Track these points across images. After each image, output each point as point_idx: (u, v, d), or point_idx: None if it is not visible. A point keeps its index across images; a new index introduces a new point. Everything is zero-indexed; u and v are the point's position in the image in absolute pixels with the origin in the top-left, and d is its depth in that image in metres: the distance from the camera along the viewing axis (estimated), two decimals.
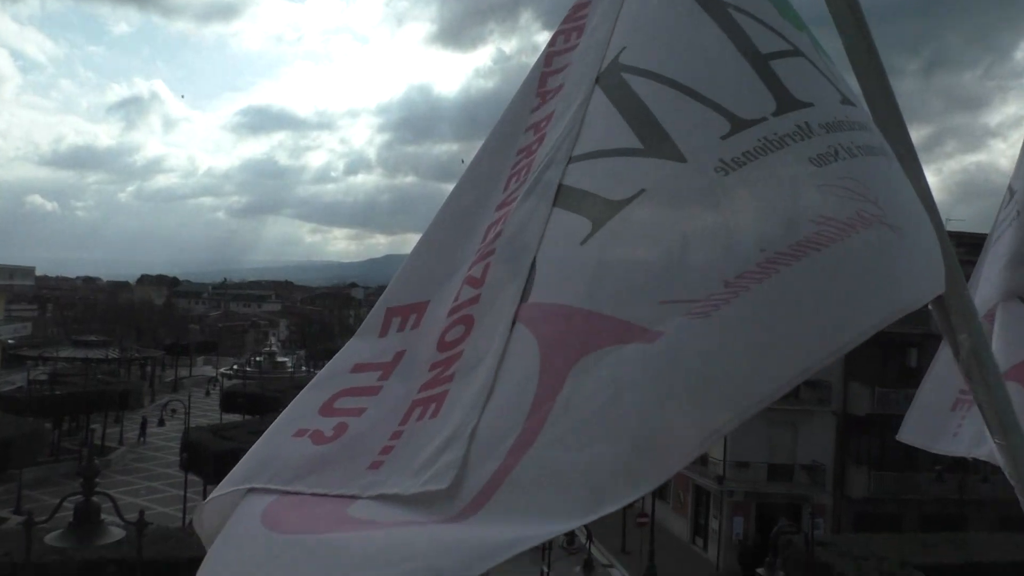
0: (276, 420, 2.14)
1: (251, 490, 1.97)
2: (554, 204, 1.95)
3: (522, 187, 2.09)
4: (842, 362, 33.52)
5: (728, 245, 1.72)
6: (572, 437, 1.60)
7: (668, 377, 1.60)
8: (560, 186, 1.97)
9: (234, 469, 2.06)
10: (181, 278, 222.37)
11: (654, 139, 1.88)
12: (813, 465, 32.77)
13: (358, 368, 2.16)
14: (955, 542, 20.14)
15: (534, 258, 1.90)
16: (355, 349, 2.24)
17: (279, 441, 2.07)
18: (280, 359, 79.38)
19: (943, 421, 3.33)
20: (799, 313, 1.62)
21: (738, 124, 1.83)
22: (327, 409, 2.08)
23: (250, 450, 2.09)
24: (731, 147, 1.80)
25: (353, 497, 1.82)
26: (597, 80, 2.10)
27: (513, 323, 1.84)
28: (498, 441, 1.68)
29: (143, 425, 48.82)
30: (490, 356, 1.83)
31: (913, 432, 3.52)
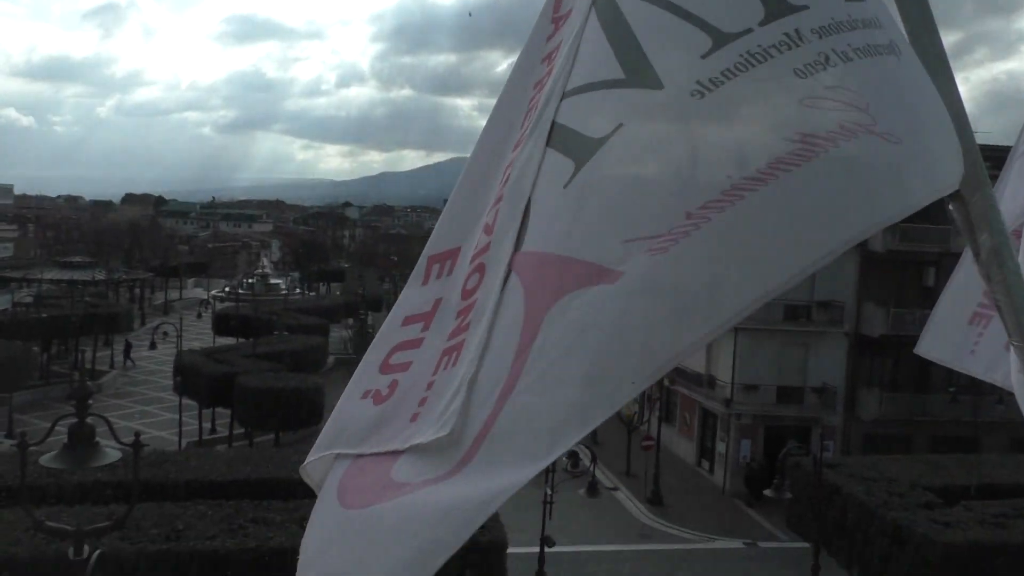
0: (350, 381, 2.32)
1: (337, 456, 2.19)
2: (547, 144, 1.98)
3: (535, 124, 2.09)
4: (856, 282, 33.61)
5: (693, 175, 1.75)
6: (539, 383, 1.72)
7: (622, 316, 1.68)
8: (553, 124, 1.99)
9: (321, 434, 2.28)
10: (167, 197, 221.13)
11: (635, 67, 1.89)
12: (824, 387, 33.23)
13: (407, 321, 2.30)
14: (966, 464, 20.60)
15: (528, 203, 1.95)
16: (405, 300, 2.37)
17: (350, 405, 2.26)
18: (273, 281, 79.57)
19: (960, 335, 3.37)
20: (754, 240, 1.66)
21: (720, 39, 1.82)
22: (385, 367, 2.25)
23: (332, 414, 2.29)
24: (710, 66, 1.80)
25: (396, 453, 1.99)
26: (594, 2, 2.07)
27: (508, 271, 1.92)
28: (490, 390, 1.81)
29: (127, 349, 49.31)
30: (490, 305, 1.94)
31: (930, 346, 3.54)
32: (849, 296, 33.56)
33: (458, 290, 2.18)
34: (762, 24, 1.81)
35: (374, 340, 2.36)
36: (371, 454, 2.08)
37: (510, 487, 1.71)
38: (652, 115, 1.86)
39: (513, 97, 2.34)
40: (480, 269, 2.09)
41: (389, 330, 2.34)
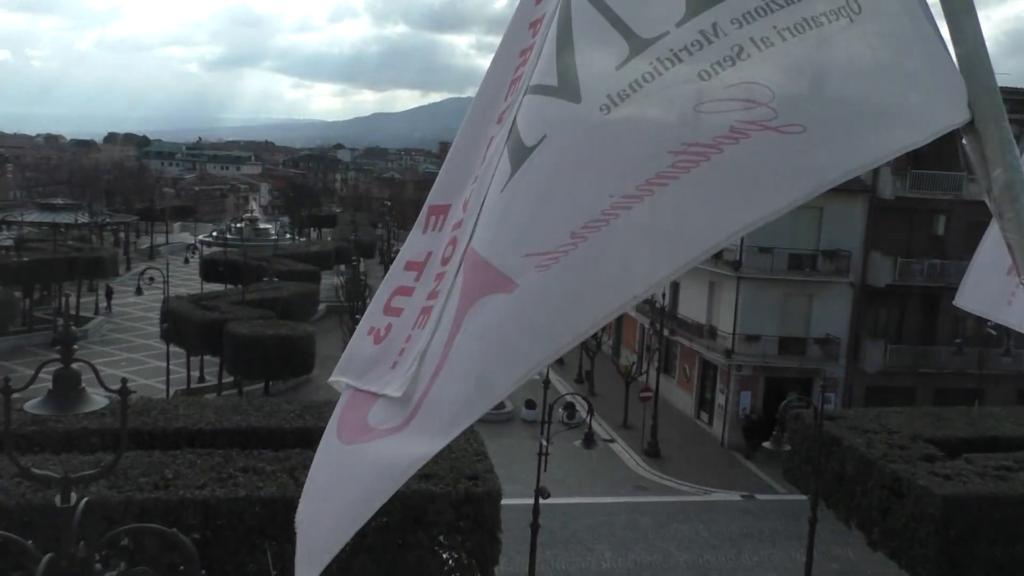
0: (366, 312, 2.62)
1: (345, 384, 2.50)
2: (506, 141, 2.13)
3: (512, 103, 2.22)
4: (863, 230, 33.58)
5: (583, 193, 1.92)
6: (451, 373, 2.04)
7: (508, 326, 1.95)
8: (514, 121, 2.13)
9: (341, 357, 2.59)
10: (151, 137, 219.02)
11: (566, 75, 2.03)
12: (827, 338, 33.44)
13: (407, 266, 2.52)
14: (969, 416, 20.86)
15: (484, 199, 2.15)
16: (409, 243, 2.57)
17: (359, 339, 2.54)
18: (263, 226, 79.40)
19: (998, 285, 3.32)
20: (617, 259, 1.86)
21: (636, 46, 1.94)
22: (387, 308, 2.49)
23: (350, 341, 2.60)
24: (622, 78, 1.93)
25: (375, 396, 2.29)
26: None
27: (460, 262, 2.17)
28: (430, 366, 2.12)
29: (109, 294, 49.32)
30: (447, 287, 2.20)
31: (969, 298, 3.50)
32: (855, 245, 33.56)
33: (440, 252, 2.35)
34: (680, 24, 1.91)
35: (385, 277, 2.57)
36: (364, 391, 2.35)
37: (423, 456, 2.08)
38: (567, 130, 1.99)
39: (504, 56, 2.40)
40: (454, 243, 2.28)
41: (395, 271, 2.56)
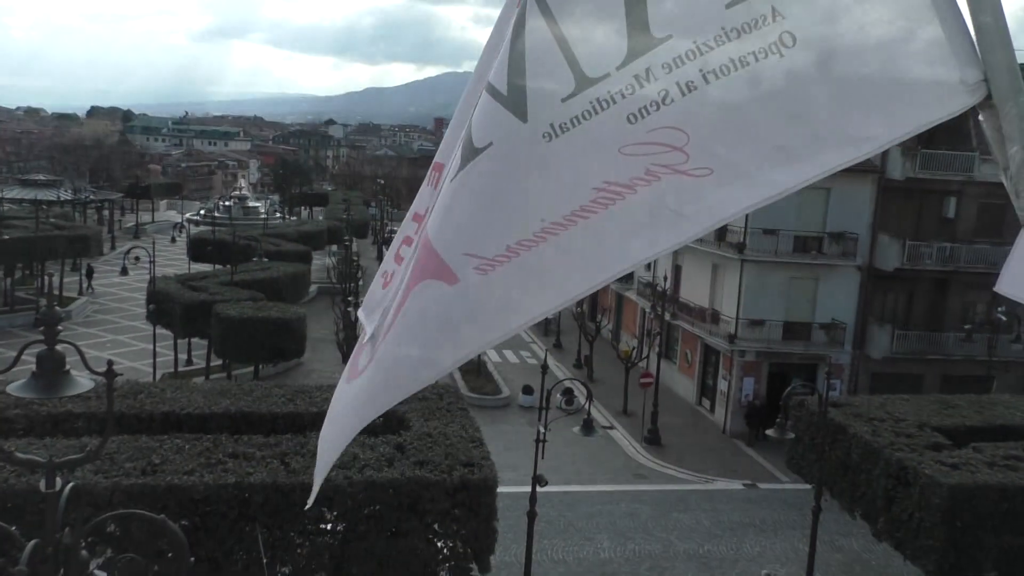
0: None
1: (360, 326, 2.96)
2: (463, 133, 2.42)
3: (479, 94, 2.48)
4: (871, 212, 33.60)
5: (520, 212, 2.29)
6: (395, 341, 2.49)
7: (449, 314, 2.38)
8: (471, 118, 2.41)
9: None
10: (136, 111, 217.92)
11: (515, 89, 2.27)
12: (833, 323, 33.54)
13: (414, 217, 2.86)
14: (978, 404, 20.94)
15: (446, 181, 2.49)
16: (419, 195, 2.91)
17: (375, 282, 3.00)
18: (252, 204, 79.14)
19: None
20: (543, 275, 2.28)
21: (582, 83, 2.19)
22: (396, 256, 2.89)
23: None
24: (566, 110, 2.20)
25: (366, 341, 2.76)
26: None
27: (418, 239, 2.58)
28: (385, 326, 2.58)
29: (89, 274, 49.17)
30: (409, 256, 2.65)
31: (1011, 283, 3.38)
32: (863, 227, 33.57)
33: (425, 212, 2.68)
34: (620, 67, 2.14)
35: (401, 225, 2.94)
36: (370, 335, 2.75)
37: (368, 416, 2.65)
38: (511, 145, 2.28)
39: (503, 26, 2.55)
40: (428, 212, 2.61)
41: (406, 221, 2.93)
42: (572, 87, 2.19)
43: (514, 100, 2.28)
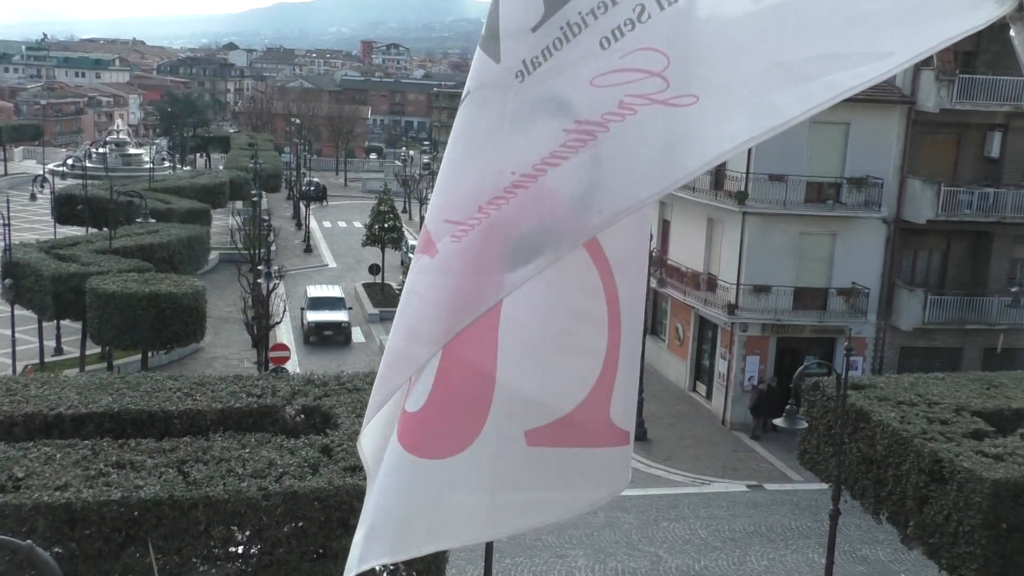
0: None
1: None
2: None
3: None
4: (899, 153, 33.93)
5: (489, 167, 2.50)
6: (398, 317, 3.05)
7: (428, 288, 2.78)
8: None
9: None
10: None
11: (491, 27, 2.47)
12: (853, 288, 33.99)
13: None
14: None
15: None
16: None
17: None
18: (133, 151, 78.06)
19: None
20: (513, 238, 2.49)
21: (550, 6, 2.35)
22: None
23: None
24: (536, 43, 2.39)
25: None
26: None
27: None
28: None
29: None
30: None
31: None
32: (889, 171, 33.89)
33: None
34: None
35: None
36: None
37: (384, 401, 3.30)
38: (486, 91, 2.51)
39: None
40: None
41: None
42: (541, 13, 2.33)
43: (489, 38, 2.45)
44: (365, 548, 3.65)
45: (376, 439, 3.67)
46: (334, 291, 45.46)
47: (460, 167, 2.57)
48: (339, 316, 42.42)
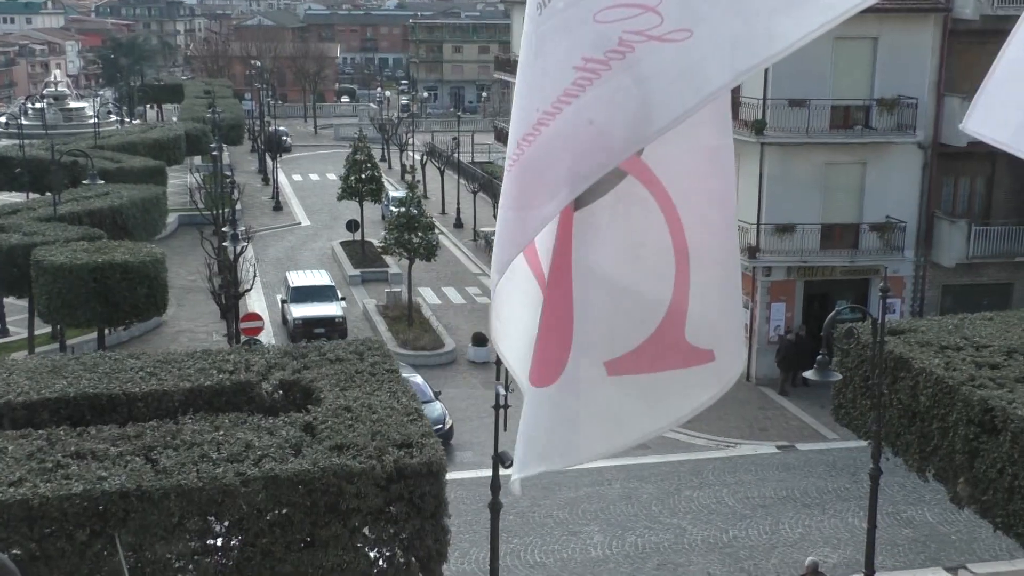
0: None
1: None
2: None
3: None
4: (935, 68, 33.78)
5: (525, 104, 2.89)
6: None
7: (500, 228, 3.48)
8: None
9: None
10: None
11: None
12: (888, 222, 33.99)
13: None
14: None
15: None
16: None
17: None
18: (75, 104, 77.53)
19: (1018, 111, 3.89)
20: (539, 175, 2.93)
21: None
22: None
23: None
24: None
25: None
26: None
27: None
28: None
29: None
30: None
31: (980, 122, 4.22)
32: (924, 89, 33.77)
33: None
34: None
35: None
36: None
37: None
38: (526, 26, 2.82)
39: None
40: None
41: None
42: None
43: None
44: (524, 456, 4.36)
45: (518, 351, 4.58)
46: (321, 277, 41.35)
47: (514, 104, 3.02)
48: (331, 310, 38.41)
